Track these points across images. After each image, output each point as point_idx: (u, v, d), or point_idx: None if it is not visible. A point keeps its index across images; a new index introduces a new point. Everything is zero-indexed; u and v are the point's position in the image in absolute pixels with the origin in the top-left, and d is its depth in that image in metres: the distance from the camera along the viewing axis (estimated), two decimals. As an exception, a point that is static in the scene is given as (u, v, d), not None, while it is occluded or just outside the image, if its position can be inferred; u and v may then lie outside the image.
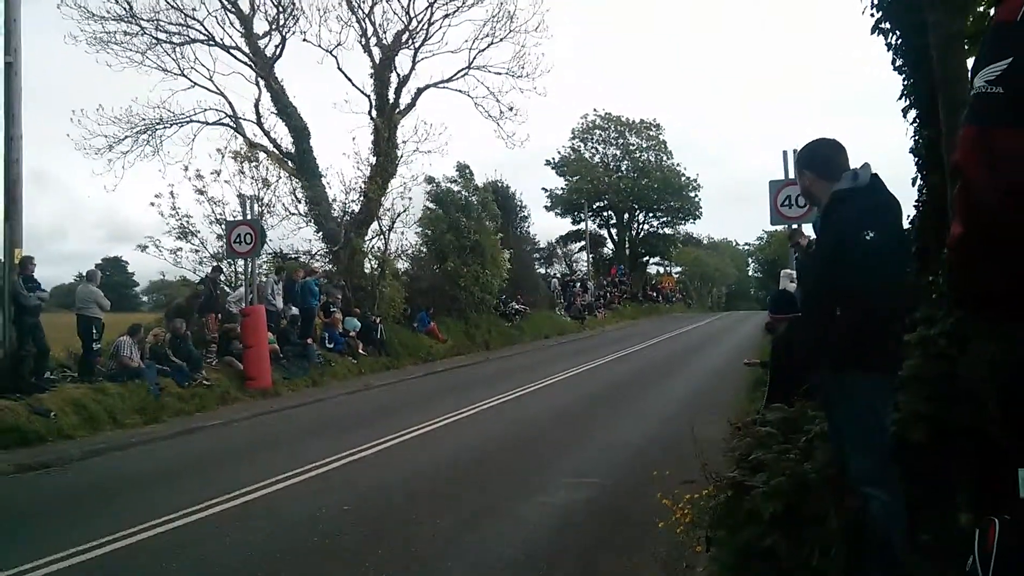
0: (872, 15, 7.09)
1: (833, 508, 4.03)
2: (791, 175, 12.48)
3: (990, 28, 2.43)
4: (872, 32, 7.16)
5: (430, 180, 29.38)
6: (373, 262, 26.04)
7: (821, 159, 4.13)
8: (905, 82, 7.12)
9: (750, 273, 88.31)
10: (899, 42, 7.01)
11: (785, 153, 12.78)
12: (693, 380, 18.00)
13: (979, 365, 3.81)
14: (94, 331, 14.67)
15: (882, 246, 3.68)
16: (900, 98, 7.24)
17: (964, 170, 2.30)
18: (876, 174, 3.93)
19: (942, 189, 5.75)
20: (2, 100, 13.99)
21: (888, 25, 7.04)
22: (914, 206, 6.98)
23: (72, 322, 15.09)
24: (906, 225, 6.29)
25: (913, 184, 7.09)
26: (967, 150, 2.30)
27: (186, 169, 21.85)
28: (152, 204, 21.11)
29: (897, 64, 7.15)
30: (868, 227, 3.70)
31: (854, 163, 4.03)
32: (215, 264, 20.54)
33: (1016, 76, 2.15)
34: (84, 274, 15.96)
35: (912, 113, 7.14)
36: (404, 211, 26.22)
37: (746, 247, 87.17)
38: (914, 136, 7.16)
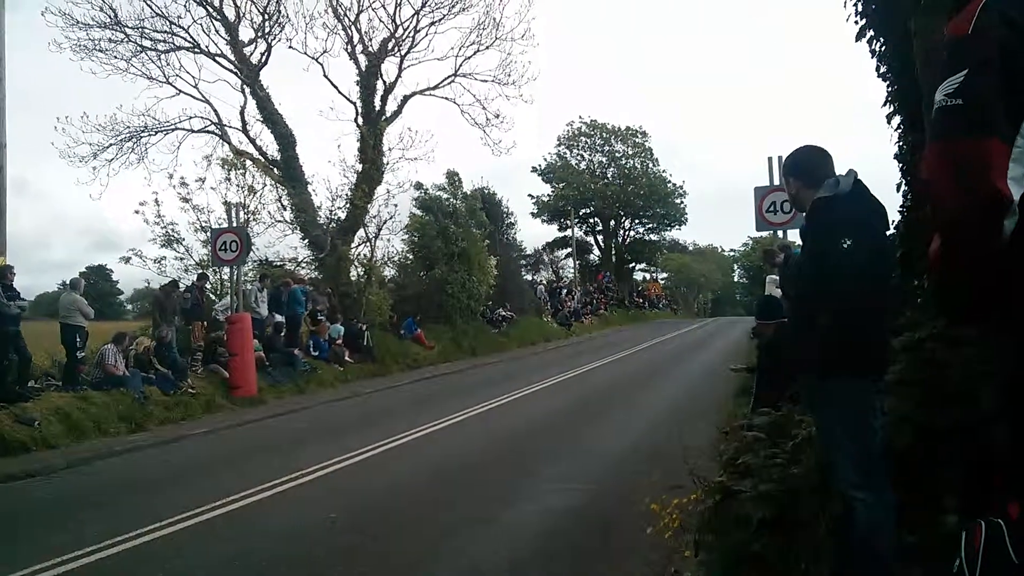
0: (856, 22, 7.14)
1: (821, 512, 4.04)
2: (776, 181, 12.56)
3: (946, 43, 2.46)
4: (857, 39, 7.21)
5: (419, 187, 29.45)
6: (359, 269, 26.03)
7: (806, 166, 4.17)
8: (889, 88, 7.17)
9: (736, 279, 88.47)
10: (883, 49, 7.06)
11: (770, 159, 12.85)
12: (680, 386, 18.01)
13: (971, 368, 3.84)
14: (78, 339, 14.58)
15: (860, 253, 3.70)
16: (884, 104, 7.29)
17: (932, 186, 2.34)
18: (860, 181, 3.96)
19: (926, 194, 5.78)
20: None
21: (872, 32, 7.09)
22: (899, 211, 7.03)
23: (56, 330, 15.00)
24: (891, 230, 6.36)
25: (898, 190, 7.13)
26: (932, 166, 2.34)
27: (171, 177, 21.84)
28: (137, 212, 21.11)
29: (881, 71, 7.20)
30: (845, 235, 3.73)
31: (840, 169, 4.07)
32: (201, 272, 20.47)
33: (972, 87, 2.19)
34: (68, 283, 15.89)
35: (896, 119, 7.19)
36: (390, 218, 26.28)
37: (731, 253, 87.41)
38: (898, 142, 7.21)
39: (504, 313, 33.48)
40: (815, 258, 3.95)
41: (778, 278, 11.25)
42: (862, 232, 3.77)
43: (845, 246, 3.71)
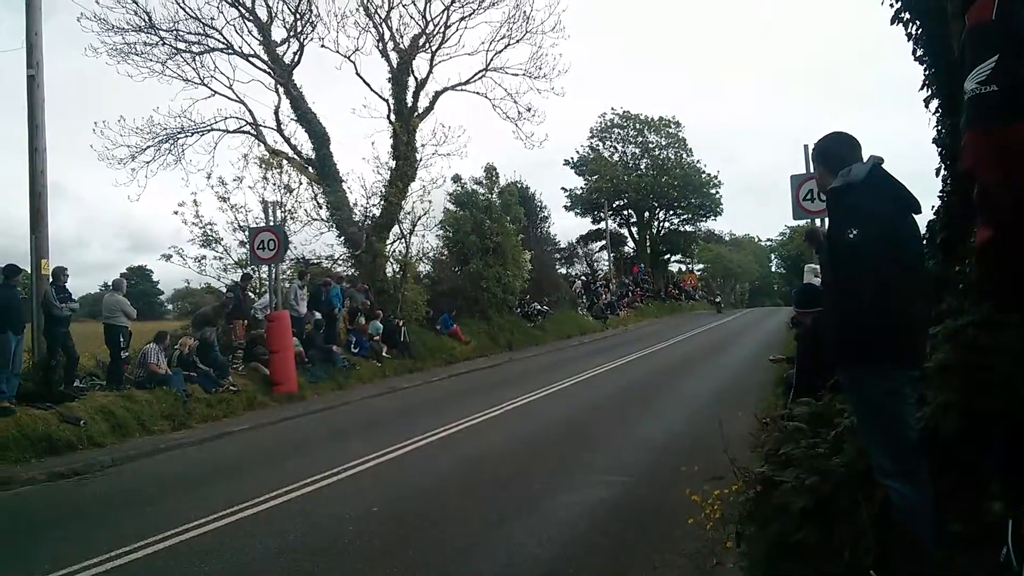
0: (891, 5, 7.03)
1: (863, 501, 4.01)
2: (812, 169, 12.42)
3: (967, 32, 2.41)
4: (892, 22, 7.10)
5: (456, 179, 29.57)
6: (395, 266, 26.17)
7: (828, 154, 4.18)
8: (926, 72, 7.06)
9: (773, 269, 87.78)
10: (919, 32, 6.95)
11: (806, 147, 12.71)
12: (718, 377, 17.92)
13: (1013, 353, 3.78)
14: (121, 339, 14.82)
15: (868, 244, 3.66)
16: (922, 88, 7.18)
17: (978, 175, 2.30)
18: (878, 167, 3.89)
19: (966, 179, 5.69)
20: (26, 112, 14.15)
21: (907, 15, 6.98)
22: (939, 196, 6.92)
23: (99, 331, 15.26)
24: (930, 216, 6.27)
25: (937, 174, 7.02)
26: (976, 155, 2.30)
27: (209, 177, 22.08)
28: (176, 212, 21.38)
29: (918, 54, 7.09)
30: (852, 225, 3.71)
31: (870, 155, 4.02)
32: (245, 272, 20.70)
33: (1006, 71, 2.15)
34: (110, 284, 16.15)
35: (934, 103, 7.07)
36: (424, 214, 26.40)
37: (768, 243, 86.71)
38: (937, 126, 7.09)
39: (540, 307, 33.46)
40: (830, 248, 3.95)
41: (817, 267, 11.14)
42: (872, 222, 3.72)
43: (851, 236, 3.69)
